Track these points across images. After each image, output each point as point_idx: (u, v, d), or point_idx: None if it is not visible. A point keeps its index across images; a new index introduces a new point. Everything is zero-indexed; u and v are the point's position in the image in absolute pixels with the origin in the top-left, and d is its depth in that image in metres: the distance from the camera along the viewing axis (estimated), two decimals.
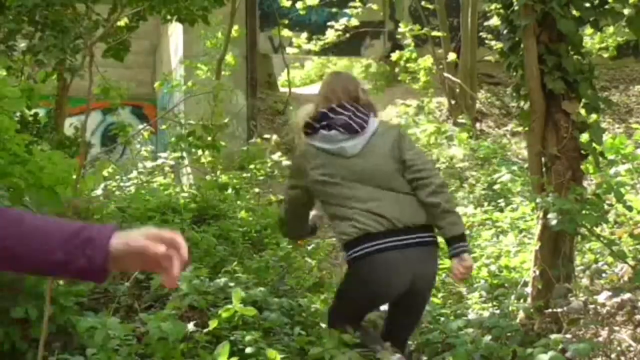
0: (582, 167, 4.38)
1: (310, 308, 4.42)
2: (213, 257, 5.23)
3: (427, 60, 12.24)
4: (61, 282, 3.73)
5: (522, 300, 4.44)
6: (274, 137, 10.68)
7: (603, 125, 4.65)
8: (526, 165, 7.24)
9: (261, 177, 8.89)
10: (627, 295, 3.87)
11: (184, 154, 8.12)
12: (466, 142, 10.52)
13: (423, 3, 12.24)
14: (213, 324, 3.61)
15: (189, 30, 8.45)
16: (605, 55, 10.23)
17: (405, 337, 3.62)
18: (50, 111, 8.06)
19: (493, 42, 11.16)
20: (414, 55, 12.38)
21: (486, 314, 4.43)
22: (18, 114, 5.47)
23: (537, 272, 4.28)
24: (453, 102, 12.07)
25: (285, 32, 12.90)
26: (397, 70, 12.96)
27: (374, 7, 12.99)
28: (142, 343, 3.58)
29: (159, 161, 8.28)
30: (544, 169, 4.33)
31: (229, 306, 3.70)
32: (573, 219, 3.94)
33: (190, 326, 3.61)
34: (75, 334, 3.53)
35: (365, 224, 3.30)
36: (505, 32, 4.54)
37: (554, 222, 3.98)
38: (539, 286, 4.26)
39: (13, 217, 1.41)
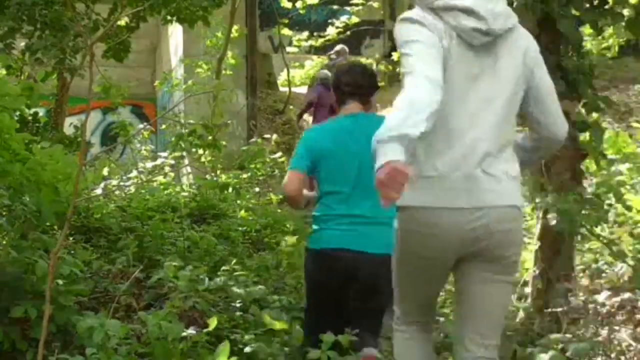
0: (582, 166, 4.37)
1: None
2: (213, 257, 5.23)
3: None
4: (61, 282, 3.73)
5: (522, 300, 4.43)
6: (274, 136, 10.68)
7: (603, 124, 4.64)
8: None
9: (261, 177, 8.89)
10: (627, 295, 3.87)
11: (184, 154, 8.12)
12: None
13: None
14: (212, 323, 3.60)
15: (189, 30, 8.45)
16: (608, 54, 10.23)
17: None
18: (50, 110, 8.05)
19: None
20: None
21: None
22: (17, 113, 5.46)
23: (537, 272, 4.28)
24: None
25: (285, 32, 12.89)
26: (397, 69, 12.94)
27: (375, 4, 12.98)
28: (141, 342, 3.57)
29: (159, 160, 8.27)
30: (543, 169, 4.32)
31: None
32: (573, 219, 3.93)
33: (190, 330, 3.60)
34: (75, 334, 3.52)
35: None
36: None
37: (553, 222, 3.97)
38: (539, 286, 4.25)
39: None
